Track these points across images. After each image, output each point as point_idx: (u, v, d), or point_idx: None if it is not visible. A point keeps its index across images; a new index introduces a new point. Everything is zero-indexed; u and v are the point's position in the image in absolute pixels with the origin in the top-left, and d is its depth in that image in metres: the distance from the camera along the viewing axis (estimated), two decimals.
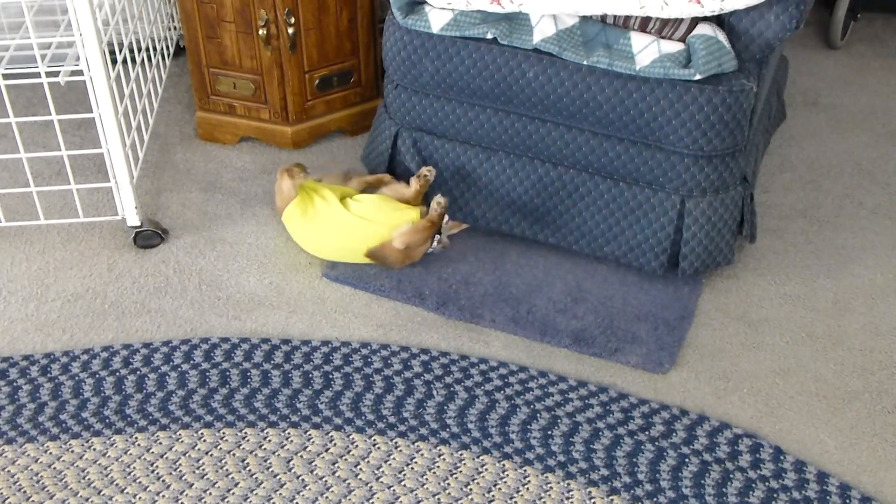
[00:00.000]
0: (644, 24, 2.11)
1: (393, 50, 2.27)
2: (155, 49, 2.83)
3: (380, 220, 2.25)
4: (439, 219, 2.24)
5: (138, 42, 2.66)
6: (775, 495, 1.78)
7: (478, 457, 1.86)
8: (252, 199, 2.56)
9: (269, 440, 1.90)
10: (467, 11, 2.18)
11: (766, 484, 1.81)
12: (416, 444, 1.89)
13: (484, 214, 2.37)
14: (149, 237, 2.40)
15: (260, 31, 2.53)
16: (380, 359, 2.07)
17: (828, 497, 1.78)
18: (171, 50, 3.02)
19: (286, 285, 2.28)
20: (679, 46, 2.06)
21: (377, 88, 2.79)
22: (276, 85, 2.62)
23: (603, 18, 2.15)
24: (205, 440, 1.91)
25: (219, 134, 2.77)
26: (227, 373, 2.05)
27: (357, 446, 1.89)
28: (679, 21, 2.09)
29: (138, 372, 2.06)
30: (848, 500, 1.78)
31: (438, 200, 2.22)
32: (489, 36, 2.14)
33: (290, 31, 2.53)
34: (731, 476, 1.82)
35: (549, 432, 1.91)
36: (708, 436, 1.90)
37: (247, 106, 2.70)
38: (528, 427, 1.92)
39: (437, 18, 2.19)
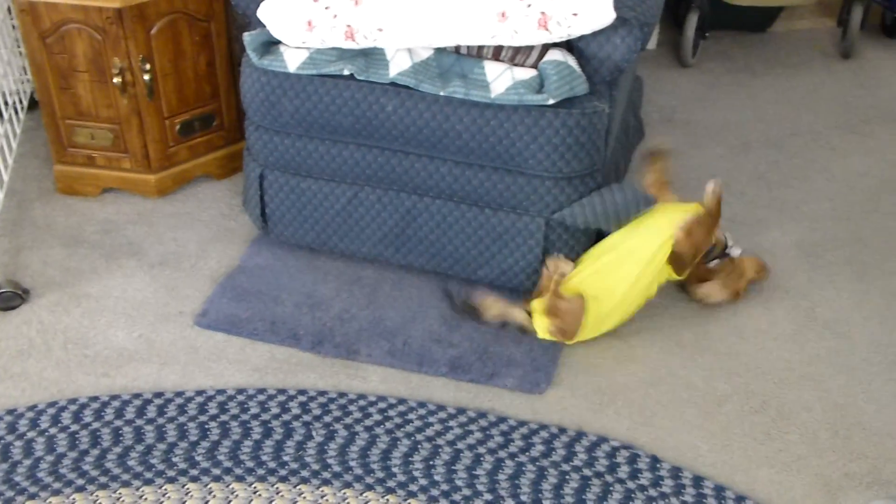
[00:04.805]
0: (497, 53, 2.16)
1: (251, 91, 2.25)
2: (6, 103, 2.74)
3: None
4: (717, 207, 2.22)
5: None
6: (654, 503, 1.82)
7: (361, 494, 1.84)
8: (117, 251, 2.49)
9: (146, 499, 1.84)
10: (323, 49, 2.19)
11: (645, 493, 1.84)
12: (297, 487, 1.86)
13: (359, 248, 2.37)
14: (9, 298, 2.30)
15: (115, 80, 2.48)
16: (257, 404, 2.04)
17: (704, 500, 1.83)
18: (25, 103, 2.93)
19: (156, 337, 2.22)
20: (532, 73, 2.11)
21: (241, 130, 2.76)
22: (135, 133, 2.57)
23: (457, 49, 2.19)
24: None
25: (79, 186, 2.70)
26: (98, 433, 1.98)
27: (237, 496, 1.84)
28: (530, 48, 2.14)
29: (2, 441, 1.96)
30: (723, 501, 1.83)
31: (714, 190, 2.21)
32: (346, 72, 2.15)
33: (146, 77, 2.49)
34: (611, 489, 1.85)
35: (431, 462, 1.90)
36: (586, 451, 1.93)
37: (107, 156, 2.64)
38: (410, 459, 1.91)
39: (292, 58, 2.19)
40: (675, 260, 2.18)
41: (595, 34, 2.08)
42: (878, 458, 1.93)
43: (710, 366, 2.16)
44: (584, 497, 1.83)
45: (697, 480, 1.87)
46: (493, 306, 2.19)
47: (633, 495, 1.84)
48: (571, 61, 2.11)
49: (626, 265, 2.14)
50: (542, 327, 2.14)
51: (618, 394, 2.08)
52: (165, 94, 2.56)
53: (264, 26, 2.24)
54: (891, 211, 2.68)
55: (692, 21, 3.34)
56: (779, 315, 2.30)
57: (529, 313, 2.16)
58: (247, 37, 2.23)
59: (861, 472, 1.90)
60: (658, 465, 1.90)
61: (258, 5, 2.23)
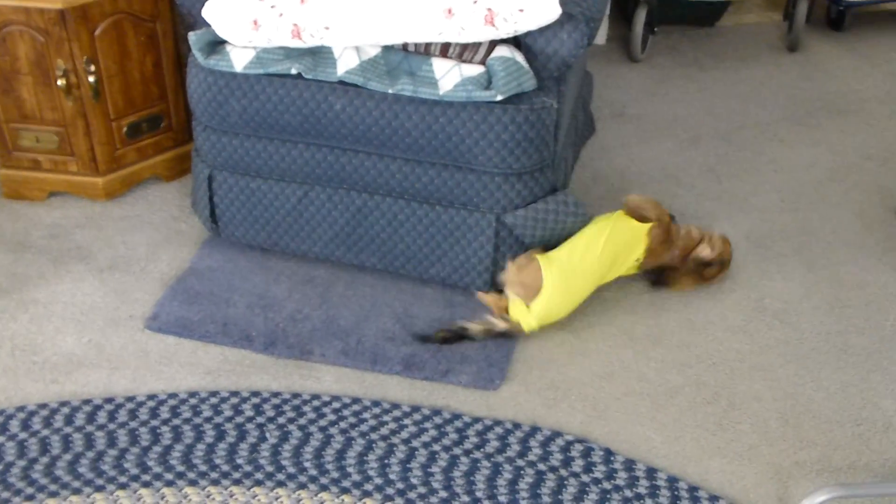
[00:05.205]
0: (445, 50, 2.16)
1: (198, 91, 2.23)
2: None
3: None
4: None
5: None
6: (608, 496, 1.83)
7: (316, 495, 1.84)
8: (65, 255, 2.45)
9: None
10: (269, 48, 2.17)
11: (599, 486, 1.86)
12: (251, 489, 1.84)
13: (311, 248, 2.36)
14: None
15: (59, 82, 2.44)
16: (209, 407, 2.02)
17: (657, 491, 1.85)
18: None
19: (106, 342, 2.19)
20: (480, 69, 2.12)
21: (190, 131, 2.73)
22: (81, 136, 2.53)
23: (404, 47, 2.18)
24: None
25: (25, 191, 2.65)
26: (48, 440, 1.95)
27: (191, 500, 1.82)
28: (478, 45, 2.14)
29: None
30: (676, 492, 1.85)
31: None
32: (293, 71, 2.14)
33: (91, 79, 2.45)
34: (566, 482, 1.86)
35: (386, 461, 1.90)
36: (541, 446, 1.94)
37: (53, 160, 2.60)
38: (365, 458, 1.91)
39: (239, 57, 2.17)
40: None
41: (542, 30, 2.09)
42: (828, 445, 1.96)
43: (662, 358, 2.17)
44: (538, 492, 1.84)
45: (651, 472, 1.89)
46: (475, 324, 2.18)
47: (587, 489, 1.85)
48: (519, 57, 2.11)
49: (584, 237, 2.24)
50: (519, 310, 2.17)
51: (571, 388, 2.09)
52: (111, 95, 2.52)
53: (210, 26, 2.22)
54: (838, 201, 2.72)
55: (641, 16, 3.36)
56: (729, 306, 2.33)
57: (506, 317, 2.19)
58: (192, 36, 2.21)
59: (811, 460, 1.93)
60: (612, 458, 1.91)
61: (203, 5, 2.20)
